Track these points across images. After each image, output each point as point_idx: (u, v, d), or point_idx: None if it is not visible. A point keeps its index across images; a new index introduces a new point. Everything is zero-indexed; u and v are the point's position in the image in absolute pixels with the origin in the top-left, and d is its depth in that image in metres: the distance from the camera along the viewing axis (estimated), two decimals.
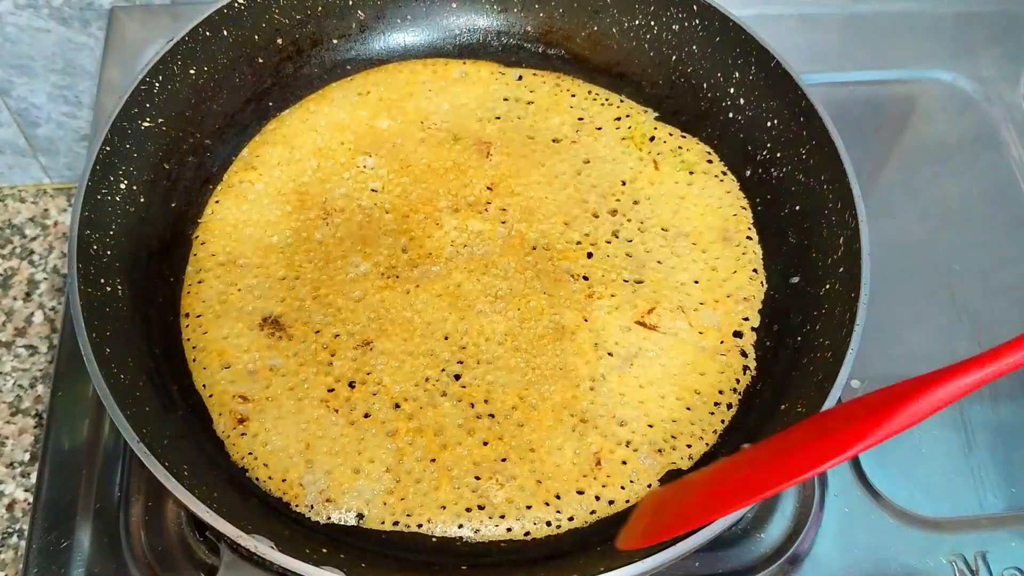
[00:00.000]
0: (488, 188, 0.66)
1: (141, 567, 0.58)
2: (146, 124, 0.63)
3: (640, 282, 0.63)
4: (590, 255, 0.64)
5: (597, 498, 0.55)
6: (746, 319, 0.61)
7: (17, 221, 1.00)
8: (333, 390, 0.57)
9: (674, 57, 0.71)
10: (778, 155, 0.65)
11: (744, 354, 0.60)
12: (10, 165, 1.01)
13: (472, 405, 0.57)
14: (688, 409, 0.58)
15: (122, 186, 0.61)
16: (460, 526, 0.54)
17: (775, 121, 0.65)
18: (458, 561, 0.52)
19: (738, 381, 0.59)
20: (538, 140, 0.69)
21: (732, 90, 0.68)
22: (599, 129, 0.70)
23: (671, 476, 0.56)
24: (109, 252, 0.58)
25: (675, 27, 0.70)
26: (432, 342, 0.59)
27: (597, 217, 0.66)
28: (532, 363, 0.59)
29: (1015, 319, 0.72)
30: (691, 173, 0.68)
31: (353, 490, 0.54)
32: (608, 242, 0.64)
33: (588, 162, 0.68)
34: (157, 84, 0.63)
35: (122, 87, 0.62)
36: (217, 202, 0.66)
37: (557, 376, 0.58)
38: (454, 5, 0.74)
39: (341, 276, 0.62)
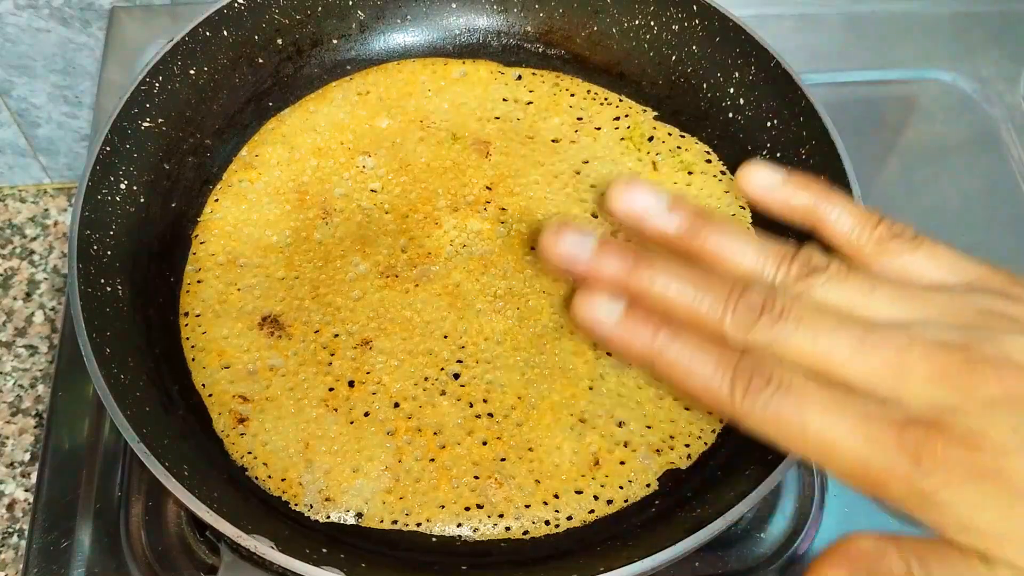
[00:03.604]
0: (487, 188, 0.67)
1: (141, 567, 0.58)
2: (146, 124, 0.63)
3: None
4: None
5: (596, 498, 0.55)
6: None
7: (17, 221, 1.00)
8: (333, 389, 0.57)
9: (674, 57, 0.71)
10: (778, 155, 0.65)
11: None
12: (10, 165, 1.01)
13: (471, 404, 0.57)
14: (686, 409, 0.58)
15: (122, 186, 0.61)
16: (459, 525, 0.54)
17: (775, 121, 0.65)
18: (458, 561, 0.52)
19: None
20: (537, 140, 0.69)
21: (732, 90, 0.68)
22: (598, 129, 0.70)
23: (669, 476, 0.56)
24: (109, 252, 0.58)
25: (675, 27, 0.70)
26: (431, 341, 0.59)
27: (596, 217, 0.66)
28: (531, 362, 0.59)
29: None
30: (690, 173, 0.68)
31: (352, 489, 0.54)
32: None
33: (587, 162, 0.68)
34: (157, 84, 0.63)
35: (122, 87, 0.62)
36: (216, 201, 0.66)
37: (556, 375, 0.58)
38: (454, 5, 0.74)
39: (340, 276, 0.62)
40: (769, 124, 0.66)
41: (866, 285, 0.37)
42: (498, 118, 0.71)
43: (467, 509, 0.54)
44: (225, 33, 0.67)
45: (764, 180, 0.43)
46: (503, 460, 0.55)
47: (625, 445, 0.56)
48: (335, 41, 0.73)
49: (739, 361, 0.36)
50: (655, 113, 0.71)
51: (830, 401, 0.34)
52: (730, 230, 0.40)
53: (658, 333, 0.38)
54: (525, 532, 0.54)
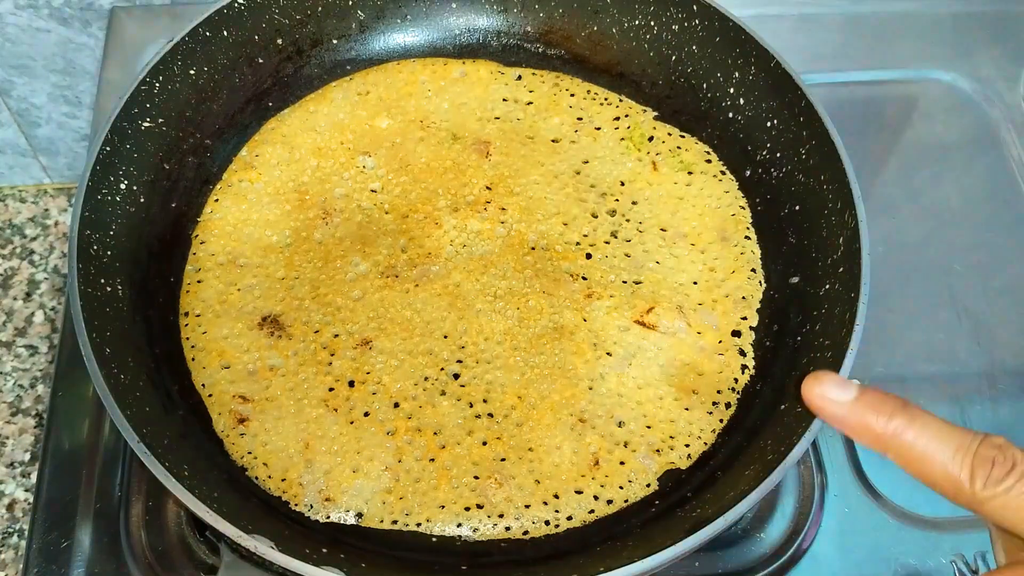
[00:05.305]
0: (487, 188, 0.67)
1: (141, 567, 0.58)
2: (146, 124, 0.63)
3: (639, 282, 0.63)
4: (589, 255, 0.64)
5: (596, 498, 0.55)
6: (744, 319, 0.61)
7: (17, 221, 1.00)
8: (333, 389, 0.57)
9: (674, 57, 0.71)
10: (778, 155, 0.65)
11: (743, 353, 0.60)
12: (10, 165, 1.01)
13: (471, 404, 0.57)
14: (686, 409, 0.58)
15: (122, 186, 0.61)
16: (459, 525, 0.54)
17: (775, 121, 0.65)
18: (457, 561, 0.52)
19: (736, 381, 0.59)
20: (537, 140, 0.69)
21: (732, 90, 0.68)
22: (598, 129, 0.70)
23: (669, 476, 0.56)
24: (109, 252, 0.58)
25: (675, 27, 0.70)
26: (431, 341, 0.59)
27: (596, 217, 0.66)
28: (531, 362, 0.59)
29: (1015, 319, 0.72)
30: (690, 173, 0.68)
31: (352, 489, 0.54)
32: (607, 242, 0.64)
33: (587, 162, 0.68)
34: (157, 84, 0.63)
35: (122, 87, 0.62)
36: (217, 201, 0.66)
37: (556, 376, 0.58)
38: (454, 5, 0.74)
39: (340, 276, 0.62)
40: (769, 124, 0.66)
41: None
42: (498, 118, 0.71)
43: (467, 509, 0.54)
44: (225, 33, 0.67)
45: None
46: (503, 460, 0.55)
47: (625, 445, 0.56)
48: (335, 41, 0.73)
49: (979, 447, 0.38)
50: (655, 113, 0.71)
51: None
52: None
53: (893, 418, 0.40)
54: (525, 532, 0.54)
